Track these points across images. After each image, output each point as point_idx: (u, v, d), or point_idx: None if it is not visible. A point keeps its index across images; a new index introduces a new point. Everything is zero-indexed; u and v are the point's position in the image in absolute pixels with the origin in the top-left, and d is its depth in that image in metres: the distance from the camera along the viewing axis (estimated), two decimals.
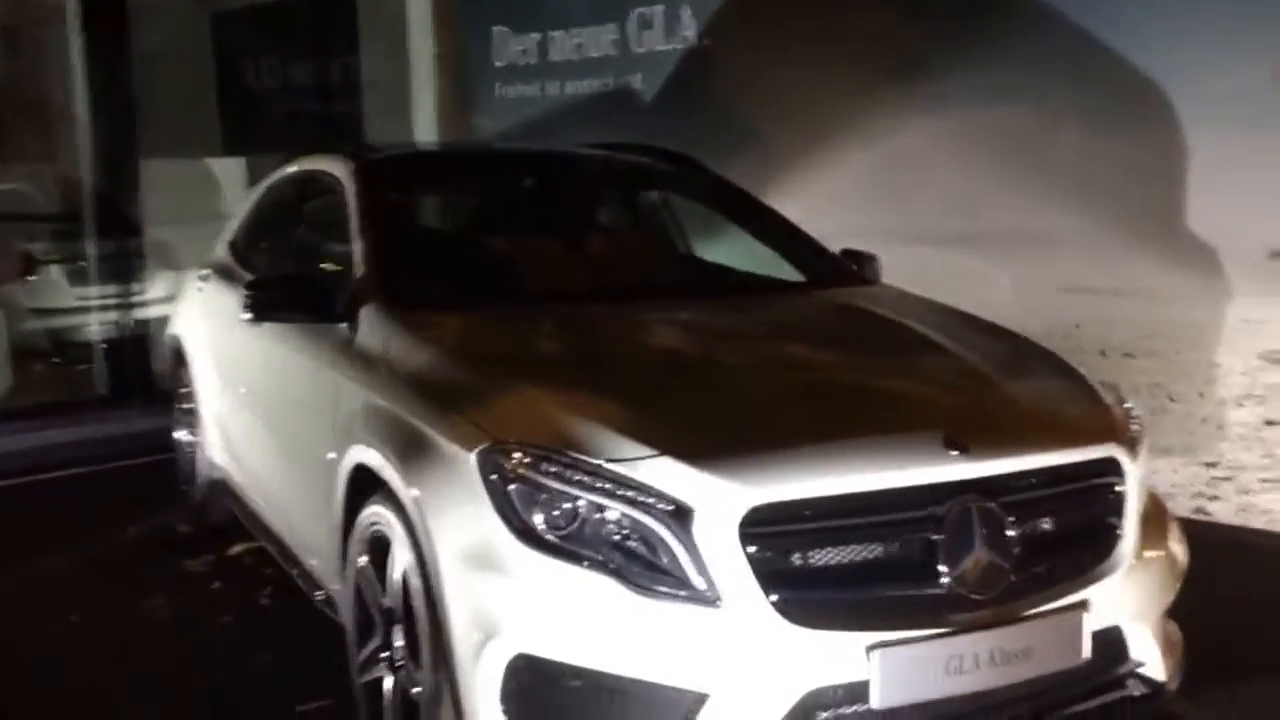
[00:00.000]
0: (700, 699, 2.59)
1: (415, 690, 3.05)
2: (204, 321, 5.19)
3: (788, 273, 4.33)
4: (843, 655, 2.62)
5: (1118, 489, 3.01)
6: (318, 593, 3.92)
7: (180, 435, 5.70)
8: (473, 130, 8.05)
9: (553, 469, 2.73)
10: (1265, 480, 5.23)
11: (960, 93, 5.97)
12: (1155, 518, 3.15)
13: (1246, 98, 5.15)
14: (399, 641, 3.16)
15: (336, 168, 4.32)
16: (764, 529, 2.63)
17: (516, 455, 2.76)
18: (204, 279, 5.32)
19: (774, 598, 2.61)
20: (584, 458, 2.71)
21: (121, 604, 4.66)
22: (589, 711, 2.67)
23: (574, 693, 2.67)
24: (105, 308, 7.44)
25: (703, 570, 2.62)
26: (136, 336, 7.36)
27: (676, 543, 2.64)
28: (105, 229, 7.23)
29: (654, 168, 4.77)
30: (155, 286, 7.55)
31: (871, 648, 2.62)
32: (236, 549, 5.22)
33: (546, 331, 3.57)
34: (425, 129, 8.14)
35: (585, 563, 2.68)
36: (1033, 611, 2.80)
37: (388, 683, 3.22)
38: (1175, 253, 5.41)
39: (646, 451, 2.71)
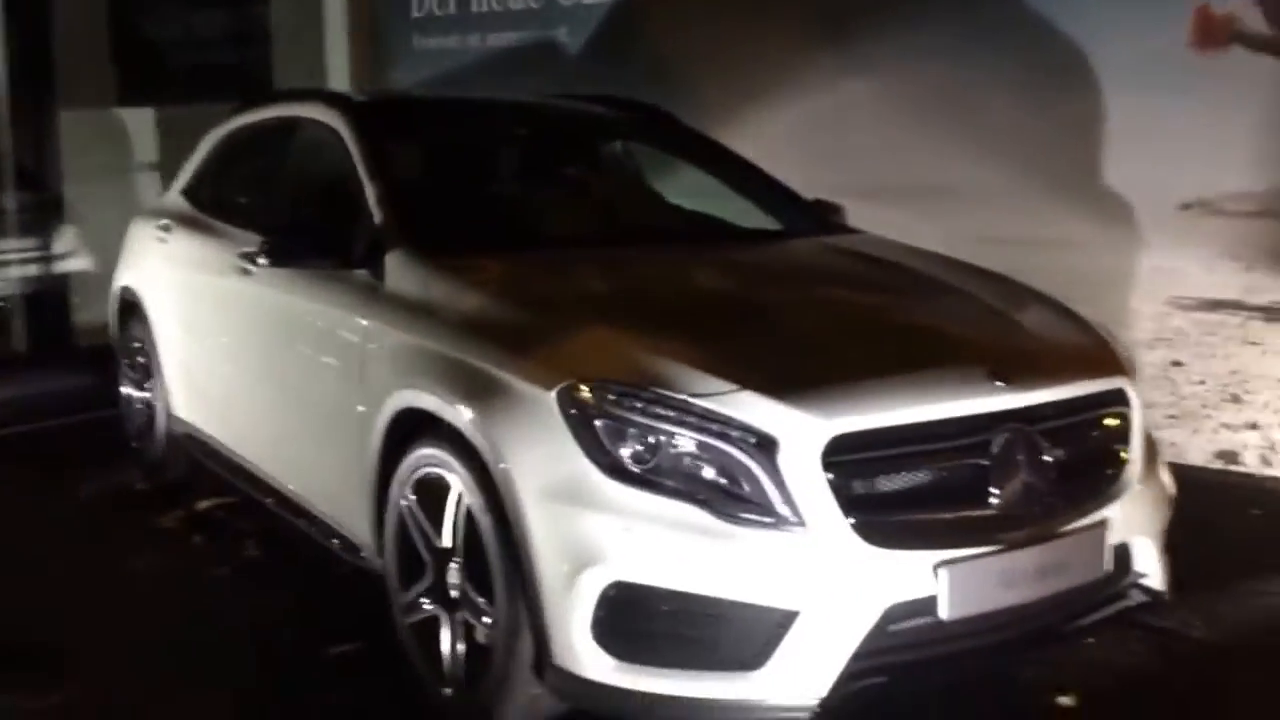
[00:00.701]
0: (791, 615, 2.76)
1: (484, 624, 3.15)
2: (170, 273, 5.12)
3: (767, 221, 4.51)
4: (914, 573, 2.83)
5: (1126, 417, 3.29)
6: (334, 540, 3.96)
7: (129, 391, 5.61)
8: (389, 83, 7.99)
9: (639, 405, 2.86)
10: (1170, 417, 5.63)
11: (885, 52, 6.23)
12: (1149, 448, 3.44)
13: (1160, 60, 5.51)
14: (455, 580, 3.26)
15: (328, 114, 4.31)
16: (842, 457, 2.82)
17: (603, 392, 2.88)
18: (165, 229, 5.23)
19: (853, 521, 2.80)
20: (671, 394, 2.86)
21: (106, 563, 4.61)
22: (683, 633, 2.82)
23: (668, 616, 2.81)
24: (22, 262, 7.18)
25: (788, 497, 2.79)
26: (54, 292, 7.13)
27: (762, 472, 2.80)
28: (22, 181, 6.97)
29: (634, 118, 4.89)
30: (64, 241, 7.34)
31: (938, 565, 2.84)
32: (205, 504, 5.20)
33: (588, 274, 3.68)
34: (338, 81, 8.05)
35: (674, 494, 2.82)
36: (1066, 529, 3.05)
37: (445, 621, 3.30)
38: (1091, 205, 5.77)
39: (729, 387, 2.86)
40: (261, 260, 3.84)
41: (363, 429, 3.61)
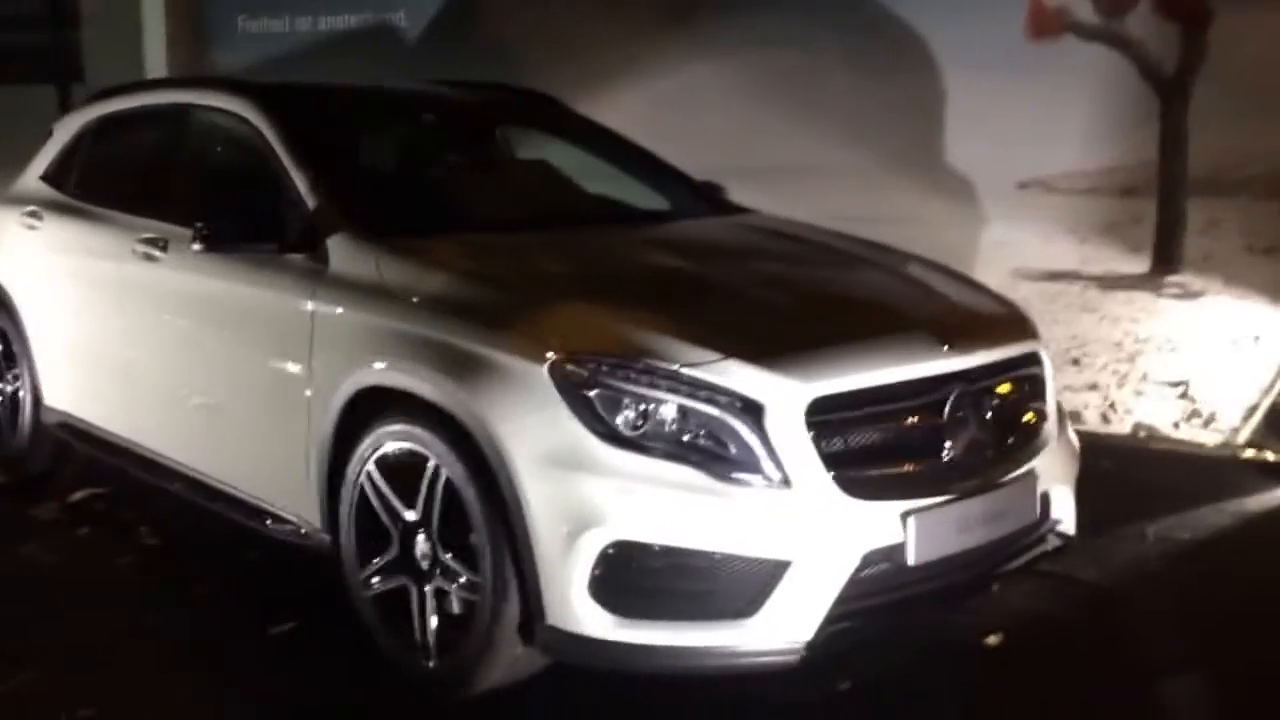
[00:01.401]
0: (783, 565, 3.00)
1: (462, 591, 3.29)
2: (47, 260, 4.99)
3: (659, 202, 4.74)
4: (885, 522, 3.11)
5: (1041, 378, 3.67)
6: (265, 521, 4.00)
7: None
8: (212, 66, 7.85)
9: (632, 375, 3.05)
10: None
11: (733, 37, 6.55)
12: (1059, 407, 3.82)
13: (997, 44, 6.00)
14: (424, 550, 3.39)
15: (234, 102, 4.32)
16: (821, 417, 3.08)
17: (596, 364, 3.06)
18: (33, 216, 5.09)
19: (833, 475, 3.06)
20: (662, 364, 3.06)
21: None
22: (680, 586, 3.03)
23: (665, 571, 3.02)
24: None
25: (774, 456, 3.03)
26: None
27: (750, 434, 3.03)
28: None
29: (523, 103, 5.04)
30: None
31: (905, 514, 3.13)
32: (79, 495, 5.11)
33: (540, 255, 3.81)
34: (156, 64, 7.86)
35: (668, 456, 3.03)
36: (1005, 479, 3.40)
37: (413, 591, 3.42)
38: (936, 184, 6.24)
39: (713, 356, 3.08)
40: (196, 245, 3.83)
41: (311, 409, 3.68)
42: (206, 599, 4.12)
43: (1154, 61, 5.80)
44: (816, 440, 3.06)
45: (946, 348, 3.34)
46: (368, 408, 3.53)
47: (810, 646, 3.04)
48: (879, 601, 3.15)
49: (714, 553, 3.01)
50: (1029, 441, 3.54)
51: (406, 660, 3.47)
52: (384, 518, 3.49)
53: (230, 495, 4.16)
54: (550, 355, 3.10)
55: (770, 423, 3.04)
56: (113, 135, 5.11)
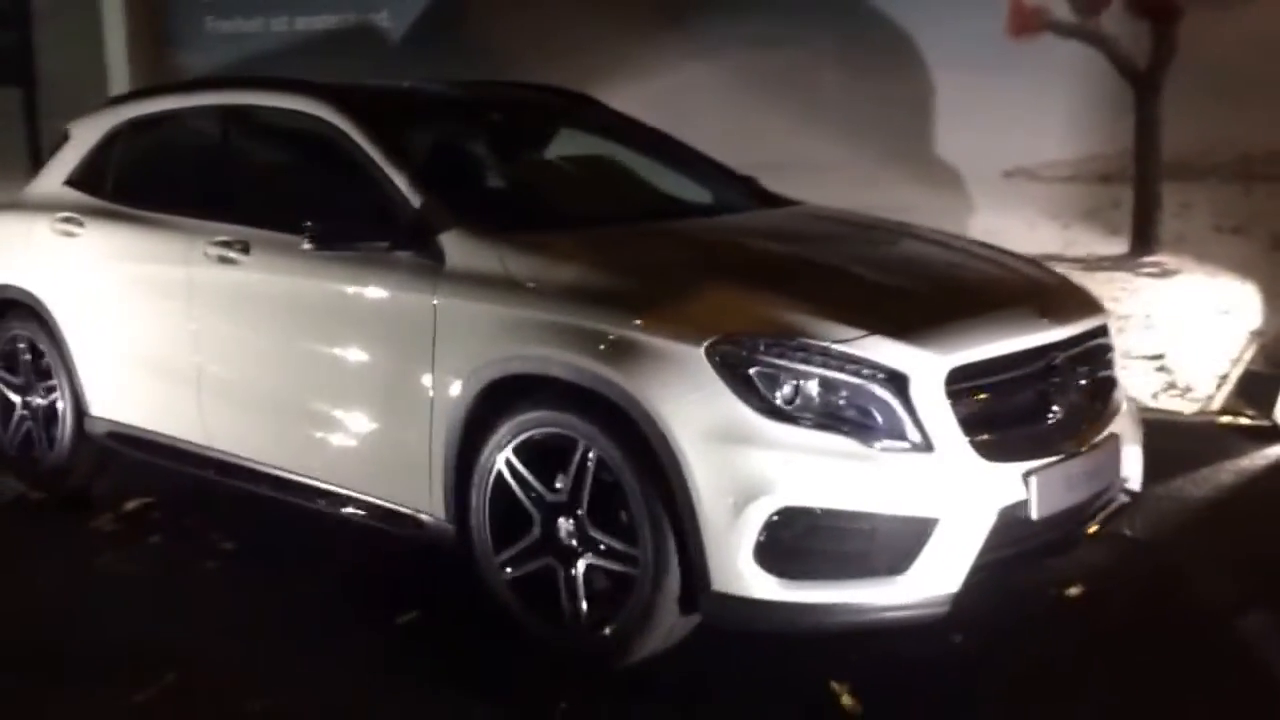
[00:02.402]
0: (931, 523, 3.34)
1: (616, 566, 3.56)
2: (93, 268, 5.05)
3: (705, 195, 5.04)
4: (1013, 481, 3.48)
5: (1111, 348, 4.08)
6: (373, 517, 4.18)
7: (9, 398, 5.47)
8: (178, 67, 7.90)
9: (788, 353, 3.36)
10: None
11: (729, 38, 6.89)
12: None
13: (980, 42, 6.46)
14: (569, 530, 3.65)
15: (313, 105, 4.47)
16: (957, 386, 3.43)
17: (754, 344, 3.36)
18: (70, 222, 5.16)
19: (970, 439, 3.42)
20: (814, 341, 3.38)
21: (73, 566, 4.61)
22: (838, 548, 3.35)
23: (826, 534, 3.34)
24: None
25: (918, 423, 3.37)
26: None
27: (897, 404, 3.37)
28: None
29: (570, 104, 5.31)
30: None
31: (1027, 474, 3.50)
32: (131, 505, 5.21)
33: (657, 245, 4.09)
34: (118, 64, 7.88)
35: (824, 427, 3.34)
36: (1097, 440, 3.80)
37: (559, 570, 3.67)
38: (926, 174, 6.67)
39: (858, 333, 3.41)
40: (306, 245, 4.01)
41: (434, 401, 3.90)
42: (319, 596, 4.28)
43: (1128, 57, 6.31)
44: (955, 407, 3.41)
45: (1046, 320, 3.72)
46: (501, 397, 3.77)
47: (956, 599, 3.38)
48: (1008, 554, 3.50)
49: (870, 514, 3.33)
50: (1109, 405, 3.95)
51: (554, 637, 3.72)
52: (525, 502, 3.73)
53: (333, 493, 4.32)
54: (708, 338, 3.39)
55: (913, 392, 3.37)
56: (154, 138, 5.19)
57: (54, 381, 5.30)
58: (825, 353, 3.37)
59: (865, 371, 3.37)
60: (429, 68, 6.88)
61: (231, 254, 4.51)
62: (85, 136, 5.44)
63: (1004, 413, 3.56)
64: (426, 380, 3.93)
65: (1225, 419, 6.26)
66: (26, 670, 3.77)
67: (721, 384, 3.36)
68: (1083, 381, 3.80)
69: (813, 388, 3.37)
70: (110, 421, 5.12)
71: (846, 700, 3.48)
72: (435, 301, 3.92)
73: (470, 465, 3.85)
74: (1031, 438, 3.59)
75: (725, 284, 3.69)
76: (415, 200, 4.08)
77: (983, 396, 3.51)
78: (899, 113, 6.69)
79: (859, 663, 3.64)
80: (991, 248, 4.44)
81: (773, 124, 6.83)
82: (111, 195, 5.19)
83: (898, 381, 3.38)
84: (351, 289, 4.16)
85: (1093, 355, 3.92)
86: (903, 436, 3.37)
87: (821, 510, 3.32)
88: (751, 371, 3.36)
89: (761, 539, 3.32)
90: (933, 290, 3.87)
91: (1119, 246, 6.47)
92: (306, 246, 4.04)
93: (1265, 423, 6.11)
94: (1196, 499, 5.15)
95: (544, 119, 5.20)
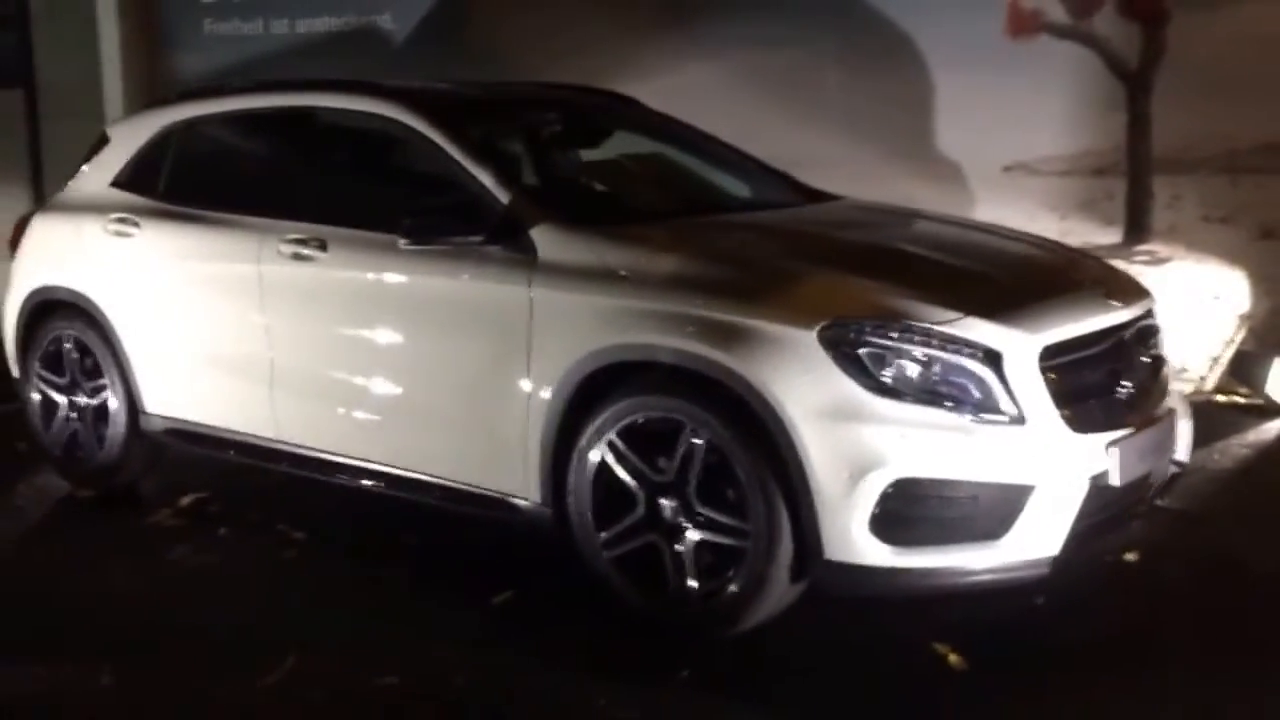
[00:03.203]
0: (1028, 490, 3.61)
1: (724, 539, 3.79)
2: (153, 267, 5.16)
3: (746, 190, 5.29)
4: (1098, 451, 3.77)
5: (1159, 328, 4.40)
6: (465, 504, 4.36)
7: (56, 398, 5.54)
8: (175, 70, 7.96)
9: (895, 334, 3.62)
10: None
11: (732, 39, 7.14)
12: None
13: (979, 43, 6.78)
14: (673, 507, 3.87)
15: (387, 107, 4.64)
16: (1048, 363, 3.71)
17: (861, 326, 3.62)
18: (125, 223, 5.26)
19: (1061, 413, 3.70)
20: (918, 323, 3.64)
21: (149, 561, 4.71)
22: (945, 515, 3.61)
23: (934, 502, 3.60)
24: None
25: (1014, 397, 3.64)
26: None
27: (995, 380, 3.64)
28: None
29: (615, 104, 5.53)
30: None
31: (1109, 444, 3.79)
32: (186, 500, 5.33)
33: (739, 236, 4.34)
34: (112, 67, 7.92)
35: (930, 402, 3.60)
36: (1158, 414, 4.10)
37: (665, 546, 3.89)
38: (928, 169, 6.97)
39: (956, 315, 3.67)
40: (403, 241, 4.20)
41: (532, 389, 4.09)
42: (407, 580, 4.46)
43: (1120, 57, 6.66)
44: (1047, 382, 3.69)
45: (1113, 302, 4.03)
46: (600, 383, 3.98)
47: (1055, 561, 3.66)
48: (1098, 520, 3.79)
49: (973, 482, 3.59)
50: (1163, 383, 4.26)
51: (659, 610, 3.93)
52: (629, 482, 3.94)
53: (420, 481, 4.48)
54: (818, 322, 3.63)
55: (1008, 368, 3.65)
56: (212, 139, 5.32)
57: (104, 381, 5.39)
58: (928, 333, 3.63)
59: (966, 350, 3.63)
60: (432, 70, 7.01)
61: (307, 251, 4.66)
62: (129, 139, 5.55)
63: (1084, 388, 3.84)
64: (522, 369, 4.12)
65: (1221, 398, 6.64)
66: (149, 662, 3.87)
67: (833, 365, 3.60)
68: (1145, 359, 4.10)
69: (918, 366, 3.63)
70: (168, 418, 5.23)
71: (953, 659, 3.73)
72: (531, 293, 4.10)
73: (568, 449, 4.04)
74: (1108, 411, 3.88)
75: (823, 271, 3.94)
76: (503, 196, 4.27)
77: (1067, 373, 3.78)
78: (903, 111, 6.99)
79: (953, 626, 3.89)
80: (1038, 236, 4.74)
81: (775, 121, 7.07)
82: (165, 196, 5.30)
83: (994, 359, 3.64)
84: (441, 283, 4.32)
85: (1148, 335, 4.23)
86: (999, 410, 3.63)
87: (930, 480, 3.58)
88: (861, 352, 3.61)
89: (875, 509, 3.57)
90: (1007, 275, 4.14)
91: (1113, 236, 6.82)
92: (403, 242, 4.22)
93: (1258, 400, 6.50)
94: (1218, 469, 5.49)
95: (597, 117, 5.40)
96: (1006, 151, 6.84)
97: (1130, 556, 4.45)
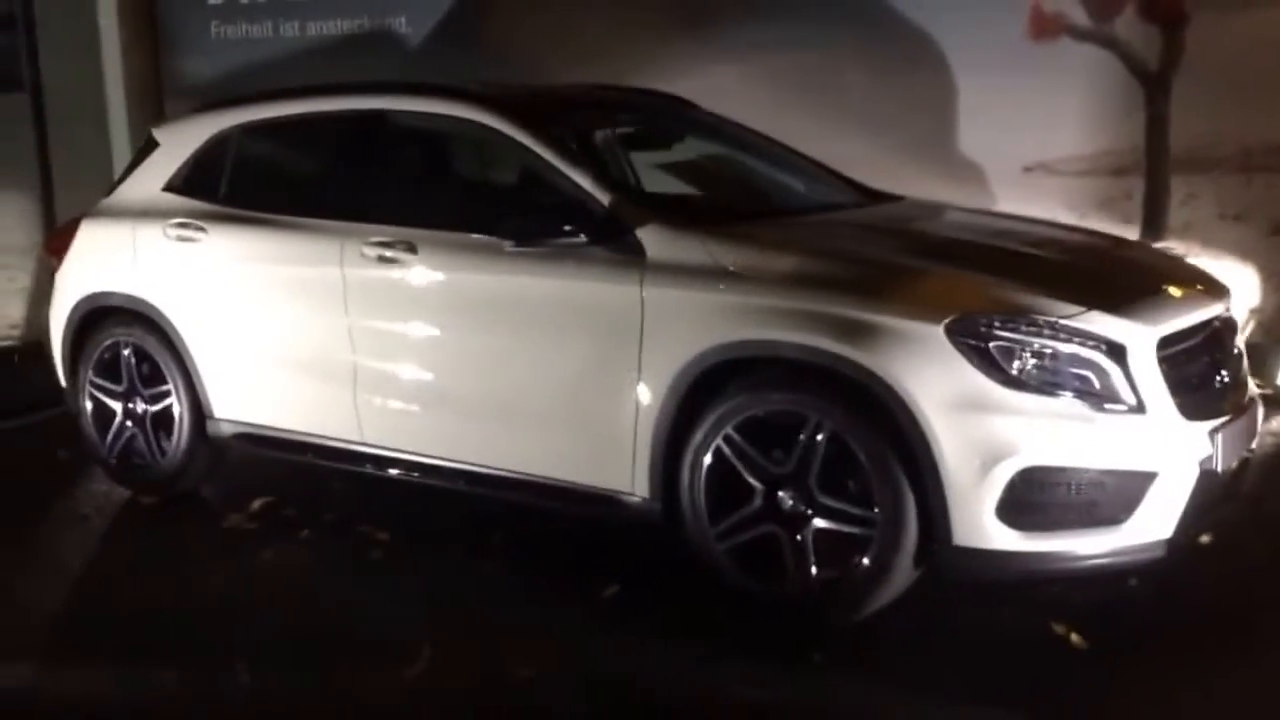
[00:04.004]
0: (1150, 476, 3.83)
1: (847, 528, 3.96)
2: (223, 271, 5.21)
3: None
4: (1203, 437, 3.99)
5: (1237, 322, 4.65)
6: (570, 500, 4.49)
7: (114, 406, 5.57)
8: (180, 74, 7.96)
9: (1022, 328, 3.81)
10: None
11: (753, 41, 7.32)
12: None
13: (1002, 46, 7.03)
14: (792, 497, 4.03)
15: (472, 110, 4.74)
16: (1163, 353, 3.93)
17: (990, 321, 3.80)
18: (188, 228, 5.30)
19: (1175, 402, 3.92)
20: (1044, 317, 3.83)
21: (240, 565, 4.77)
22: (1070, 500, 3.80)
23: (1059, 489, 3.79)
24: None
25: (1134, 388, 3.85)
26: None
27: (1117, 370, 3.84)
28: None
29: (673, 105, 5.69)
30: None
31: (1212, 431, 4.02)
32: (257, 504, 5.37)
33: (843, 234, 4.52)
34: (113, 72, 7.91)
35: (1056, 393, 3.80)
36: (1245, 402, 4.34)
37: (788, 533, 4.04)
38: (950, 169, 7.20)
39: (1078, 309, 3.87)
40: (509, 244, 4.33)
41: (642, 386, 4.22)
42: (507, 576, 4.57)
43: (1139, 59, 6.94)
44: (1164, 373, 3.90)
45: (1207, 296, 4.27)
46: (715, 379, 4.13)
47: (1170, 543, 3.88)
48: (1204, 501, 4.00)
49: (1098, 469, 3.79)
50: (1245, 372, 4.51)
51: (779, 598, 4.09)
52: (746, 475, 4.10)
53: (515, 480, 4.59)
54: (946, 317, 3.81)
55: (1131, 360, 3.85)
56: (275, 143, 5.38)
57: (166, 386, 5.42)
58: (1054, 327, 3.82)
59: (1090, 343, 3.83)
60: (450, 73, 7.10)
61: (393, 254, 4.74)
62: (180, 143, 5.57)
63: (1189, 378, 4.05)
64: (632, 367, 4.25)
65: None
66: (281, 662, 3.95)
67: (961, 358, 3.78)
68: (1235, 351, 4.34)
69: (1044, 359, 3.81)
70: (238, 423, 5.28)
71: (1075, 638, 3.93)
72: (644, 293, 4.23)
73: (679, 443, 4.19)
74: (1210, 400, 4.10)
75: (942, 267, 4.12)
76: (603, 198, 4.39)
77: (1176, 363, 3.99)
78: (925, 112, 7.20)
79: (1063, 608, 4.09)
80: (1117, 235, 4.98)
81: (797, 122, 7.19)
82: (227, 200, 5.34)
83: (1117, 351, 3.84)
84: (544, 283, 4.43)
85: (1234, 327, 4.47)
86: (1119, 400, 3.83)
87: (1057, 468, 3.77)
88: (990, 346, 3.79)
89: (1004, 496, 3.75)
90: (1111, 270, 4.37)
91: (1131, 234, 7.07)
92: (509, 244, 4.34)
93: (1269, 390, 6.81)
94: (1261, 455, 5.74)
95: (666, 119, 5.55)
96: (1028, 152, 7.09)
97: (1204, 539, 4.67)
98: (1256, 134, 6.84)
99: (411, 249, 4.72)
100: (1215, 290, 4.43)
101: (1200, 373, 4.12)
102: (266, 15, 7.93)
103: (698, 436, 4.16)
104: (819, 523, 4.02)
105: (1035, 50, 7.01)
